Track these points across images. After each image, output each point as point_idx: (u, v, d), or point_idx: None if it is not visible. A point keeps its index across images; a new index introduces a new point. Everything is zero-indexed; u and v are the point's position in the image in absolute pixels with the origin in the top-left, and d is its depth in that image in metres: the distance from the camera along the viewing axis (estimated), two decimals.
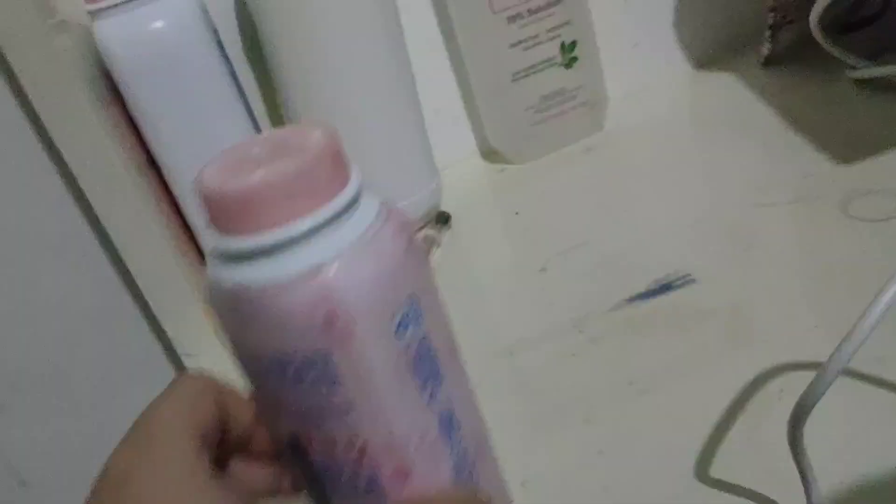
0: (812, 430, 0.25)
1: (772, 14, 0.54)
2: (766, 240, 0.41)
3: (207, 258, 0.22)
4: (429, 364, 0.22)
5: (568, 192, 0.52)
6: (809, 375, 0.25)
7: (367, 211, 0.21)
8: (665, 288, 0.40)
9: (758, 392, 0.32)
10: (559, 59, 0.54)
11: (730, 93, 0.57)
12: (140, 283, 0.43)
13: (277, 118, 0.54)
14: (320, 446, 0.22)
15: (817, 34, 0.51)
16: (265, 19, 0.46)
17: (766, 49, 0.57)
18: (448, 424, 0.23)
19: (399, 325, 0.21)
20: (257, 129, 0.49)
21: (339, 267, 0.20)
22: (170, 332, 0.45)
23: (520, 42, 0.52)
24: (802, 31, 0.54)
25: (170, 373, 0.46)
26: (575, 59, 0.54)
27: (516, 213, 0.51)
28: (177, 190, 0.47)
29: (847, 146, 0.46)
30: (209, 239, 0.21)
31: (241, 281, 0.20)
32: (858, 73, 0.51)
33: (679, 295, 0.39)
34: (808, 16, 0.51)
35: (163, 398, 0.22)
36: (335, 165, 0.21)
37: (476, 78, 0.55)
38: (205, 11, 0.45)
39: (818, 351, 0.27)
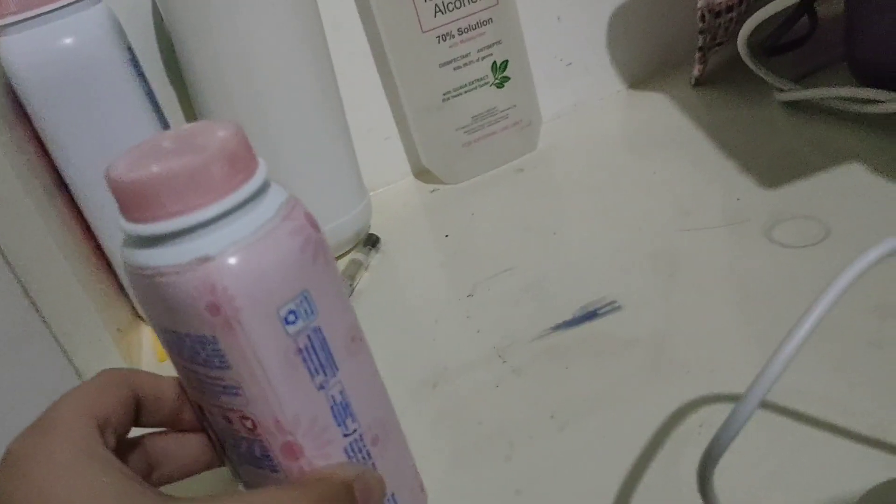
0: (729, 466, 0.24)
1: (701, 36, 0.54)
2: (691, 265, 0.40)
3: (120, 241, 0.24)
4: (321, 354, 0.24)
5: (498, 213, 0.51)
6: (729, 408, 0.24)
7: (268, 208, 0.23)
8: (590, 315, 0.39)
9: (678, 426, 0.32)
10: (490, 79, 0.53)
11: (661, 113, 0.57)
12: (44, 310, 0.40)
13: None
14: (219, 417, 0.24)
15: (745, 56, 0.51)
16: (184, 38, 0.45)
17: (696, 70, 0.57)
18: (341, 411, 0.25)
19: (287, 316, 0.23)
20: None
21: (226, 259, 0.22)
22: (77, 361, 0.43)
23: (450, 62, 0.52)
24: (732, 53, 0.55)
25: None
26: (506, 78, 0.54)
27: (446, 236, 0.50)
28: (88, 211, 0.45)
29: (773, 169, 0.46)
30: (120, 223, 0.23)
31: (140, 263, 0.22)
32: (786, 96, 0.51)
33: (603, 323, 0.38)
34: (737, 38, 0.51)
35: (69, 391, 0.24)
36: (233, 163, 0.22)
37: (407, 97, 0.54)
38: (118, 28, 0.43)
39: (740, 382, 0.27)
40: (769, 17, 0.48)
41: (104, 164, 0.23)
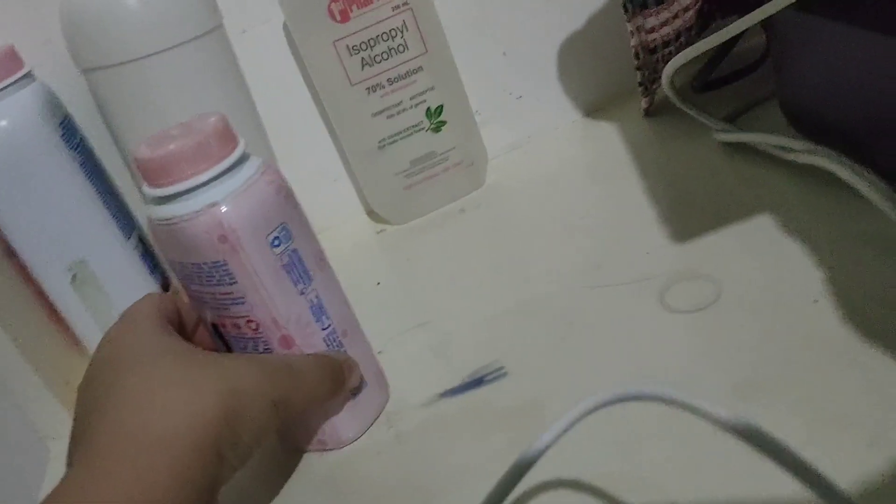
0: None
1: (639, 72, 0.53)
2: (584, 329, 0.41)
3: (144, 203, 0.34)
4: (299, 268, 0.35)
5: (430, 259, 0.52)
6: None
7: (250, 168, 0.33)
8: (476, 382, 0.40)
9: None
10: (426, 125, 0.54)
11: (611, 145, 0.57)
12: None
13: None
14: (230, 326, 0.35)
15: (672, 97, 0.51)
16: (108, 103, 0.47)
17: (643, 103, 0.56)
18: (318, 310, 0.36)
19: (273, 241, 0.33)
20: (124, 213, 0.50)
21: (227, 204, 0.32)
22: (31, 416, 0.47)
23: (382, 111, 0.53)
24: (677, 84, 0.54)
25: (36, 454, 0.48)
26: (442, 122, 0.54)
27: (378, 283, 0.52)
28: (40, 277, 0.49)
29: (691, 218, 0.45)
30: (145, 190, 0.33)
31: (165, 216, 0.33)
32: (721, 136, 0.50)
33: (487, 391, 0.39)
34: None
35: (136, 301, 0.36)
36: (223, 140, 0.33)
37: (346, 144, 0.55)
38: (52, 103, 0.46)
39: None
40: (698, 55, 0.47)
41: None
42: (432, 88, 0.53)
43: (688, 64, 0.49)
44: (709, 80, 0.53)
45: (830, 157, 0.41)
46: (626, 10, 0.50)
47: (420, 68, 0.52)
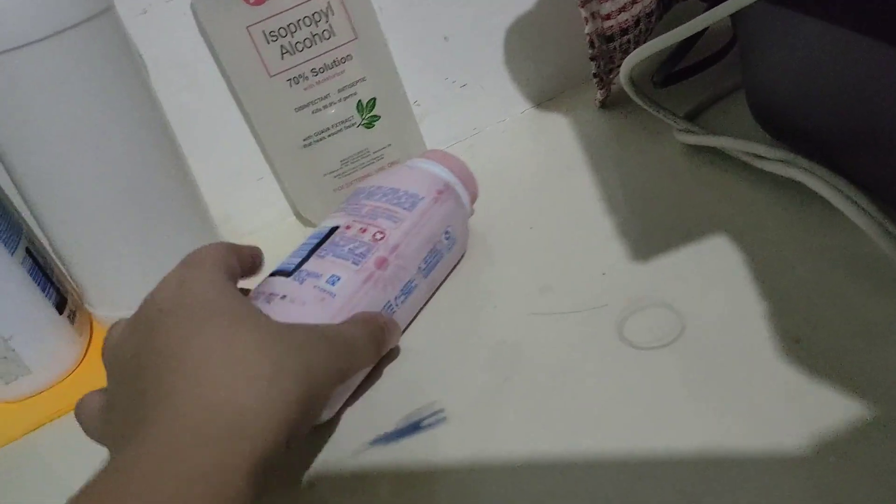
0: None
1: (594, 63, 0.48)
2: (532, 365, 0.36)
3: None
4: (432, 259, 0.40)
5: None
6: None
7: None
8: (413, 427, 0.35)
9: None
10: (357, 120, 0.48)
11: (563, 140, 0.52)
12: None
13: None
14: (356, 230, 0.40)
15: (630, 93, 0.46)
16: None
17: (599, 95, 0.51)
18: (406, 290, 0.39)
19: (446, 233, 0.41)
20: (7, 222, 0.43)
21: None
22: None
23: (306, 105, 0.47)
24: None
25: None
26: (375, 117, 0.48)
27: None
28: None
29: (649, 233, 0.41)
30: None
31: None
32: (682, 137, 0.45)
33: (426, 437, 0.34)
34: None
35: (204, 246, 0.33)
36: (467, 177, 0.44)
37: (267, 142, 0.49)
38: None
39: None
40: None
41: None
42: (363, 79, 0.47)
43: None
44: (670, 74, 0.48)
45: (805, 170, 0.36)
46: None
47: (349, 56, 0.46)
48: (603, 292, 0.38)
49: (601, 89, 0.50)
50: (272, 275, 0.38)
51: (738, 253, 0.38)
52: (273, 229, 0.54)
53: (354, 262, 0.37)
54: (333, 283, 0.37)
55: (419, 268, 0.39)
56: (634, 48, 0.48)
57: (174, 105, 0.46)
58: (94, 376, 0.39)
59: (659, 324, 0.35)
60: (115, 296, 0.44)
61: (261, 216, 0.54)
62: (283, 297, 0.36)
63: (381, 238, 0.38)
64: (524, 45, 0.54)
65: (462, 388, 0.36)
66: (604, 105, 0.53)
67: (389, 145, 0.50)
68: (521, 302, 0.40)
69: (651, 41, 0.41)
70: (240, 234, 0.53)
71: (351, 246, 0.38)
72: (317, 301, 0.36)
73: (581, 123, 0.53)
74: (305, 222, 0.53)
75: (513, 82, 0.55)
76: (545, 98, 0.56)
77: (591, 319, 0.37)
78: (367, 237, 0.38)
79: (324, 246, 0.39)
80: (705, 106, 0.48)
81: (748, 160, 0.41)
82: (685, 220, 0.41)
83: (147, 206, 0.42)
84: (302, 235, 0.52)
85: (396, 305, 0.39)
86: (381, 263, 0.38)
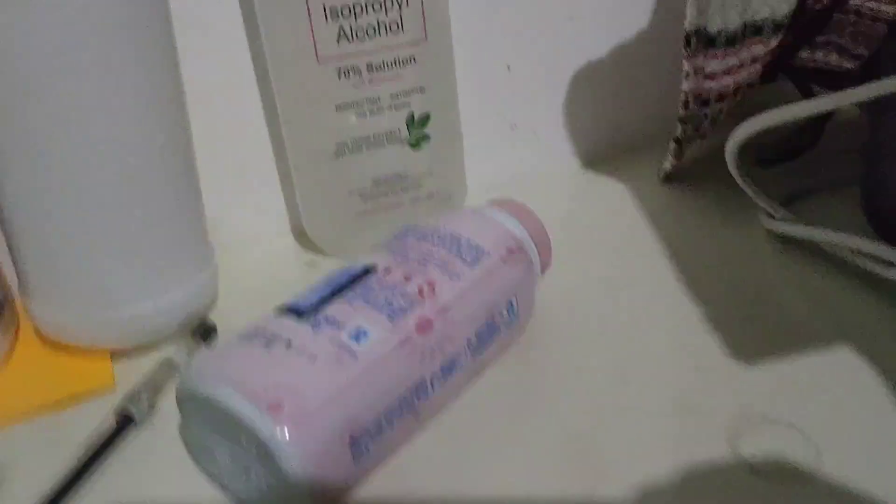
0: None
1: (681, 126, 0.42)
2: (622, 472, 0.28)
3: None
4: (487, 336, 0.32)
5: None
6: None
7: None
8: None
9: None
10: (404, 135, 0.40)
11: (616, 210, 0.45)
12: None
13: None
14: (401, 278, 0.31)
15: (733, 169, 0.40)
16: None
17: (668, 163, 0.45)
18: (447, 366, 0.30)
19: (510, 305, 0.33)
20: None
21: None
22: None
23: (351, 104, 0.38)
24: (715, 148, 0.43)
25: None
26: (425, 137, 0.41)
27: None
28: None
29: (747, 327, 0.34)
30: None
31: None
32: (775, 225, 0.40)
33: None
34: (720, 132, 0.40)
35: None
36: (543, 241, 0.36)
37: (292, 142, 0.41)
38: None
39: None
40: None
41: None
42: (421, 90, 0.39)
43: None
44: (773, 155, 0.43)
45: None
46: (687, 45, 0.39)
47: (412, 59, 0.39)
48: (697, 396, 0.31)
49: (674, 157, 0.44)
50: (281, 309, 0.30)
51: (861, 364, 0.31)
52: (261, 247, 0.44)
53: (390, 318, 0.29)
54: (358, 340, 0.28)
55: (468, 341, 0.31)
56: (724, 119, 0.42)
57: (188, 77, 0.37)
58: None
59: (783, 443, 0.28)
60: (67, 294, 0.34)
61: (251, 228, 0.44)
62: (289, 344, 0.28)
63: (430, 293, 0.30)
64: (590, 93, 0.48)
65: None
66: (669, 178, 0.47)
67: (430, 174, 0.42)
68: (601, 393, 0.32)
69: (781, 109, 0.35)
70: (225, 244, 0.43)
71: (388, 295, 0.30)
72: (331, 360, 0.27)
73: (641, 193, 0.46)
74: (306, 244, 0.44)
75: (568, 133, 0.49)
76: (598, 158, 0.50)
77: (695, 433, 0.30)
78: (410, 288, 0.30)
79: (353, 287, 0.30)
80: (795, 195, 0.42)
81: (853, 259, 0.36)
82: (786, 323, 0.35)
83: (145, 196, 0.33)
84: (296, 261, 0.43)
85: (433, 388, 0.30)
86: (425, 327, 0.29)
